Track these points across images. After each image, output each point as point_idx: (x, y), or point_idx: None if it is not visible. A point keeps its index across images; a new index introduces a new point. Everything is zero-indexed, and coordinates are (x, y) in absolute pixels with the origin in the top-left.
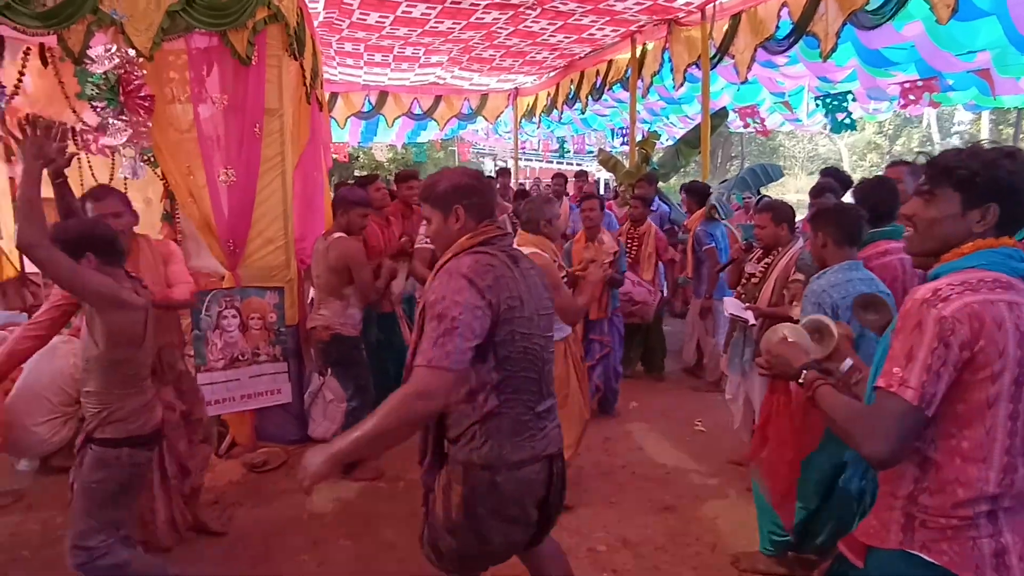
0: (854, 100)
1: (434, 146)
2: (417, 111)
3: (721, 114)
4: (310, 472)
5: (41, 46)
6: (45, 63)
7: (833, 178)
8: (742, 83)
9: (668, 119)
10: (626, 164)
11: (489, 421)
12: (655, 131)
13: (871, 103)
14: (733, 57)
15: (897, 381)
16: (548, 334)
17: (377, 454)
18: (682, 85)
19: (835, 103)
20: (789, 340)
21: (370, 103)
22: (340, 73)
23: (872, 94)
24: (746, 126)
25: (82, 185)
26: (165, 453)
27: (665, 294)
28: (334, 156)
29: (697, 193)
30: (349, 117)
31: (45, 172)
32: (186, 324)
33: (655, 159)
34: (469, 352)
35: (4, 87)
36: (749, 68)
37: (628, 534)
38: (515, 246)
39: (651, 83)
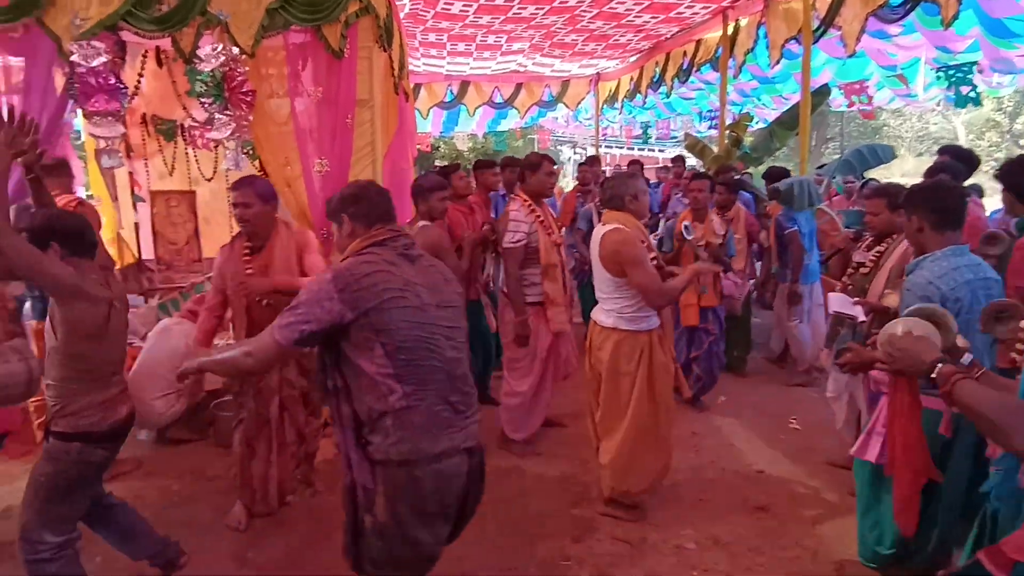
0: (979, 72)
1: (514, 134)
2: (498, 99)
3: (822, 92)
4: (186, 366)
5: (156, 49)
6: (160, 64)
7: (953, 157)
8: (849, 57)
9: (760, 100)
10: (714, 149)
11: (402, 415)
12: (747, 112)
13: (994, 76)
14: (839, 28)
15: None
16: (451, 325)
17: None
18: (778, 63)
19: (959, 75)
20: (916, 334)
21: (452, 93)
22: (423, 64)
23: (997, 66)
24: (851, 105)
25: (190, 178)
26: (286, 425)
27: (754, 284)
28: (418, 147)
29: (778, 179)
30: (432, 107)
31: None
32: None
33: (746, 143)
34: (303, 332)
35: (126, 88)
36: (858, 40)
37: (719, 533)
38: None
39: (744, 62)
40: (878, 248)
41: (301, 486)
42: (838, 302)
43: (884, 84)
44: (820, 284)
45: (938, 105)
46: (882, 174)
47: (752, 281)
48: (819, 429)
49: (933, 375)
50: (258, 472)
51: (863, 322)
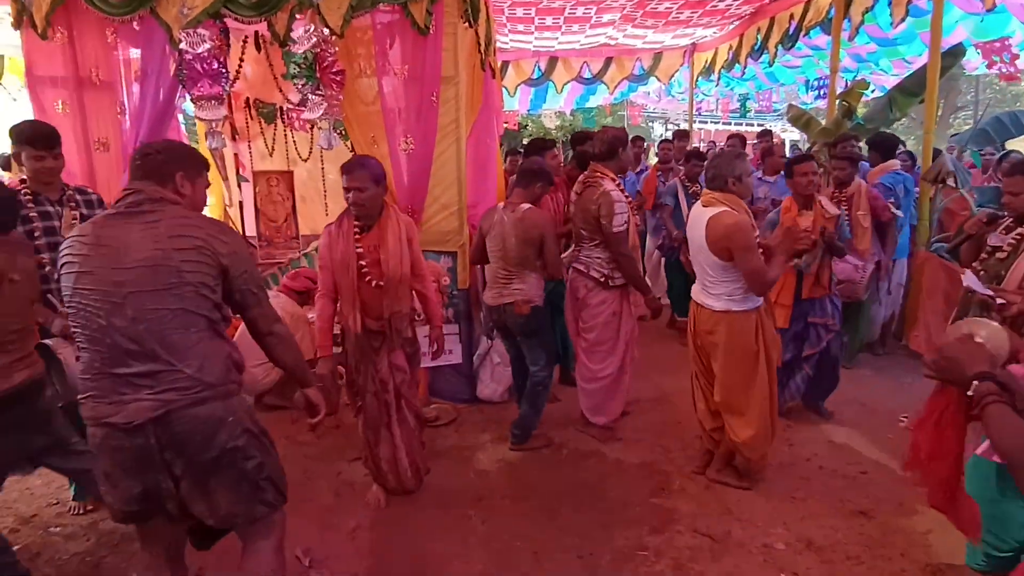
0: None
1: (603, 111)
2: (587, 75)
3: (955, 52)
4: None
5: (256, 34)
6: (259, 49)
7: None
8: (987, 11)
9: (877, 66)
10: (821, 121)
11: (83, 379)
12: (862, 80)
13: None
14: None
15: None
16: (134, 290)
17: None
18: (902, 21)
19: None
20: (977, 339)
21: (539, 69)
22: (511, 40)
23: None
24: (991, 65)
25: (287, 159)
26: (404, 408)
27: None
28: (504, 124)
29: (883, 147)
30: (519, 85)
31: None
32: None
33: (860, 113)
34: None
35: (228, 72)
36: None
37: (813, 535)
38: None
39: (861, 22)
40: (1019, 231)
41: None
42: (972, 279)
43: None
44: (907, 261)
45: None
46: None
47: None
48: None
49: (970, 392)
50: (386, 455)
51: (1002, 305)
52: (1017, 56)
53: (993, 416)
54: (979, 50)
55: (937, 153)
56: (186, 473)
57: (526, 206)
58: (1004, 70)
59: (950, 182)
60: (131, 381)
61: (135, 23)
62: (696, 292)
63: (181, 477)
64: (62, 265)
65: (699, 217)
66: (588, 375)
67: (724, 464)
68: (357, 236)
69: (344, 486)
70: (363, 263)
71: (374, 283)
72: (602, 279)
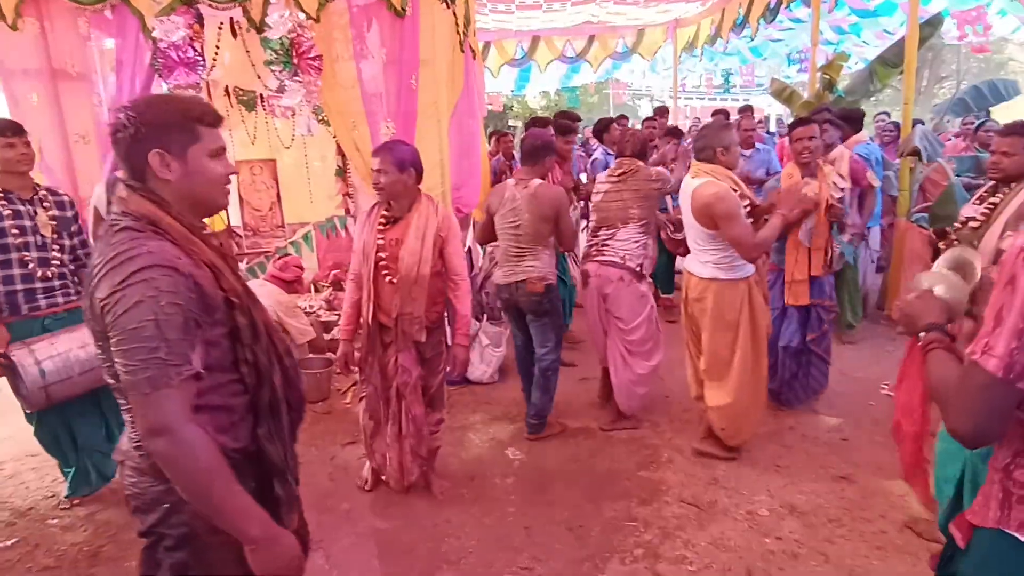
0: None
1: (588, 90)
2: (570, 54)
3: (933, 22)
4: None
5: (231, 20)
6: (235, 35)
7: None
8: None
9: (859, 37)
10: (804, 94)
11: None
12: (843, 52)
13: None
14: None
15: (981, 347)
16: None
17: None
18: None
19: None
20: (936, 292)
21: (522, 49)
22: (492, 20)
23: None
24: (961, 36)
25: (270, 147)
26: (402, 413)
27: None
28: (489, 106)
29: (852, 120)
30: (502, 65)
31: None
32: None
33: (840, 86)
34: None
35: (204, 60)
36: None
37: (796, 501)
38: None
39: None
40: (992, 200)
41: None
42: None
43: (1007, 11)
44: (879, 229)
45: None
46: (1004, 115)
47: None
48: None
49: (920, 343)
50: (379, 448)
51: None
52: (991, 27)
53: (930, 360)
54: (955, 19)
55: (916, 124)
56: None
57: (538, 181)
58: (975, 40)
59: (920, 155)
60: None
61: (108, 11)
62: (688, 261)
63: None
64: None
65: (686, 189)
66: (635, 378)
67: (709, 435)
68: (381, 227)
69: (338, 470)
70: (382, 255)
71: (388, 279)
72: (638, 268)
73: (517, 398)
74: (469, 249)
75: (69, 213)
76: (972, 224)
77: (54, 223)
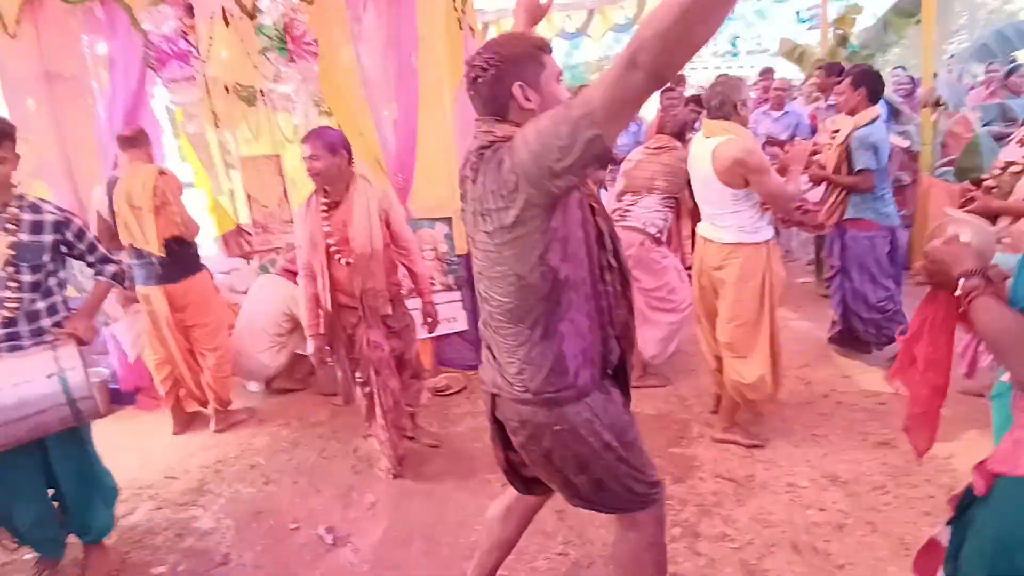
0: None
1: (590, 66)
2: (570, 29)
3: None
4: None
5: (223, 9)
6: (227, 24)
7: None
8: None
9: None
10: (817, 51)
11: None
12: (855, 4)
13: None
14: None
15: None
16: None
17: None
18: None
19: None
20: (963, 240)
21: None
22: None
23: None
24: None
25: (273, 142)
26: (379, 390)
27: None
28: None
29: (873, 86)
30: None
31: None
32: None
33: (854, 41)
34: None
35: (197, 51)
36: None
37: (837, 471)
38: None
39: None
40: None
41: (419, 438)
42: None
43: None
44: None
45: None
46: None
47: None
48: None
49: (958, 291)
50: (375, 433)
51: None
52: None
53: (978, 308)
54: None
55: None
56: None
57: None
58: None
59: (941, 106)
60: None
61: (98, 9)
62: (703, 228)
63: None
64: None
65: (702, 149)
66: (656, 332)
67: (729, 422)
68: (325, 214)
69: (361, 462)
70: (331, 241)
71: (343, 261)
72: (658, 233)
73: None
74: None
75: (47, 237)
76: (1014, 168)
77: (11, 253)
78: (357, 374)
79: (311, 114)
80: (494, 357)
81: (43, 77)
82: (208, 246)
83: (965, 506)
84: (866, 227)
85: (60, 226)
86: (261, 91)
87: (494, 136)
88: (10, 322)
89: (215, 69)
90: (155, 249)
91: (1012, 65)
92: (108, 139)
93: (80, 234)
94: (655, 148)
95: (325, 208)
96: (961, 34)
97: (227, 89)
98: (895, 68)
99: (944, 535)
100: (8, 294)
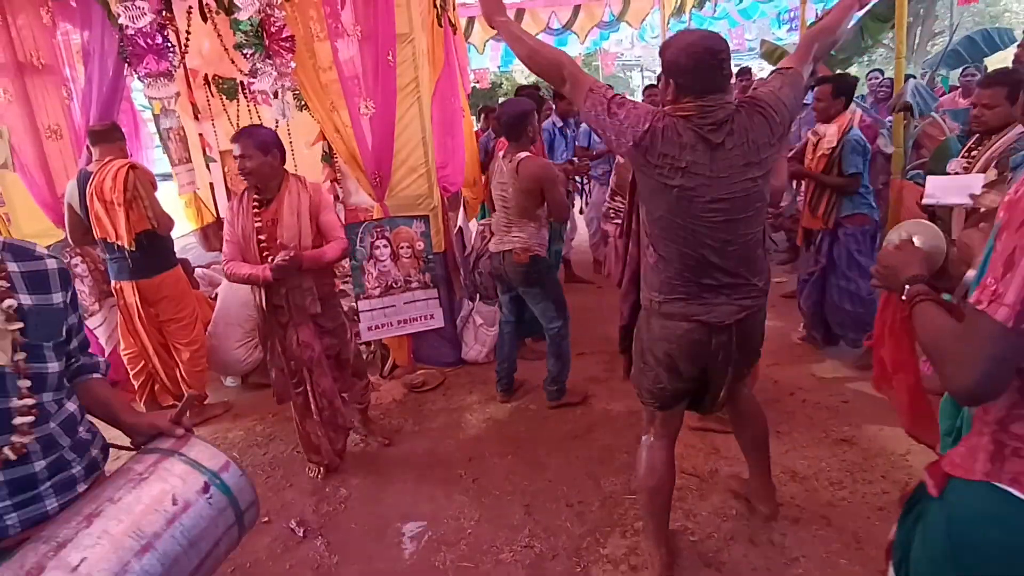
0: None
1: (576, 61)
2: (555, 25)
3: None
4: None
5: (200, 2)
6: (204, 19)
7: None
8: None
9: None
10: None
11: (650, 273)
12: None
13: None
14: None
15: (988, 296)
16: (723, 219)
17: None
18: None
19: None
20: (915, 243)
21: None
22: None
23: None
24: None
25: None
26: (312, 390)
27: None
28: (475, 83)
29: (848, 91)
30: (487, 40)
31: None
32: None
33: None
34: None
35: (174, 46)
36: None
37: (798, 466)
38: None
39: None
40: (976, 151)
41: (370, 437)
42: (939, 188)
43: None
44: None
45: None
46: (1001, 65)
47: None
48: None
49: (904, 296)
50: (312, 429)
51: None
52: None
53: (919, 313)
54: None
55: (908, 79)
56: (739, 359)
57: (523, 155)
58: None
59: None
60: (718, 290)
61: (71, 0)
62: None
63: (732, 363)
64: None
65: None
66: None
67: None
68: (256, 211)
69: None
70: (262, 238)
71: (271, 259)
72: None
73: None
74: (460, 229)
75: (57, 298)
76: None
77: (17, 329)
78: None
79: (288, 111)
80: (747, 282)
81: (14, 66)
82: (187, 240)
83: (914, 503)
84: (862, 221)
85: (66, 278)
86: (242, 84)
87: (732, 105)
88: (47, 445)
89: (195, 60)
90: (126, 243)
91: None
92: (83, 131)
93: (73, 298)
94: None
95: (256, 205)
96: (944, 35)
97: (207, 81)
98: (872, 71)
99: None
100: (27, 401)
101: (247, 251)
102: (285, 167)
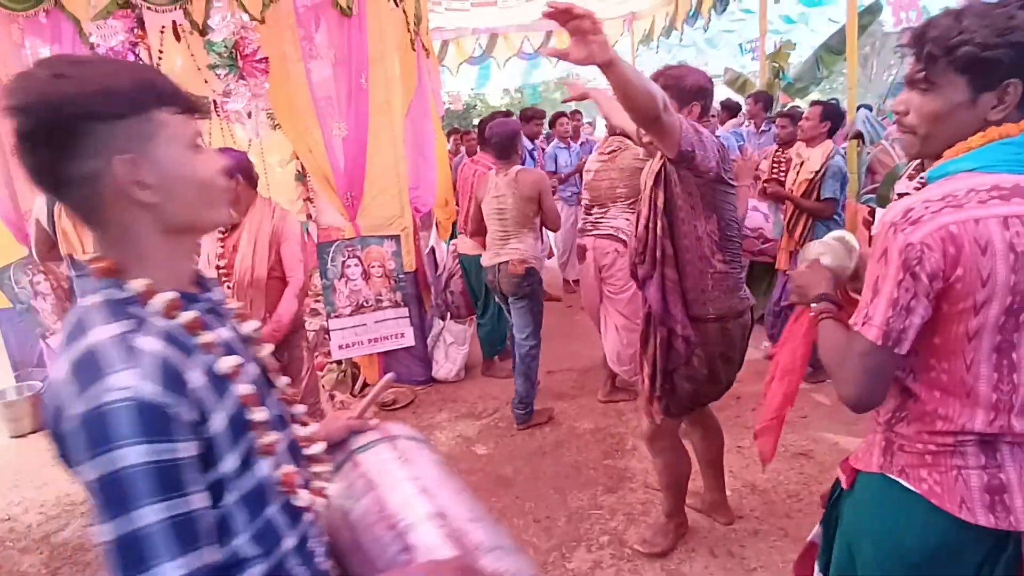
0: None
1: (549, 86)
2: (528, 50)
3: (872, 9)
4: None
5: (174, 23)
6: (178, 38)
7: None
8: None
9: (807, 25)
10: (756, 83)
11: (719, 282)
12: (789, 40)
13: None
14: None
15: (862, 318)
16: None
17: None
18: None
19: None
20: (822, 262)
21: (480, 47)
22: (449, 18)
23: None
24: (897, 23)
25: None
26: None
27: None
28: (449, 105)
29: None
30: (461, 63)
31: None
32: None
33: (790, 73)
34: None
35: (147, 64)
36: None
37: (757, 480)
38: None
39: None
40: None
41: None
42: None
43: None
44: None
45: None
46: None
47: None
48: None
49: (812, 313)
50: None
51: None
52: (922, 12)
53: (822, 329)
54: (890, 6)
55: (861, 109)
56: None
57: (517, 167)
58: (909, 27)
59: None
60: None
61: (42, 16)
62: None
63: None
64: None
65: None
66: (626, 343)
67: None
68: (221, 235)
69: None
70: (220, 264)
71: (225, 285)
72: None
73: (483, 394)
74: (432, 248)
75: None
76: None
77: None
78: None
79: (263, 131)
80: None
81: None
82: None
83: (833, 503)
84: None
85: None
86: (215, 102)
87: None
88: None
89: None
90: None
91: None
92: None
93: None
94: (609, 152)
95: (221, 231)
96: (898, 67)
97: None
98: (830, 100)
99: (819, 535)
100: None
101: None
102: (257, 190)
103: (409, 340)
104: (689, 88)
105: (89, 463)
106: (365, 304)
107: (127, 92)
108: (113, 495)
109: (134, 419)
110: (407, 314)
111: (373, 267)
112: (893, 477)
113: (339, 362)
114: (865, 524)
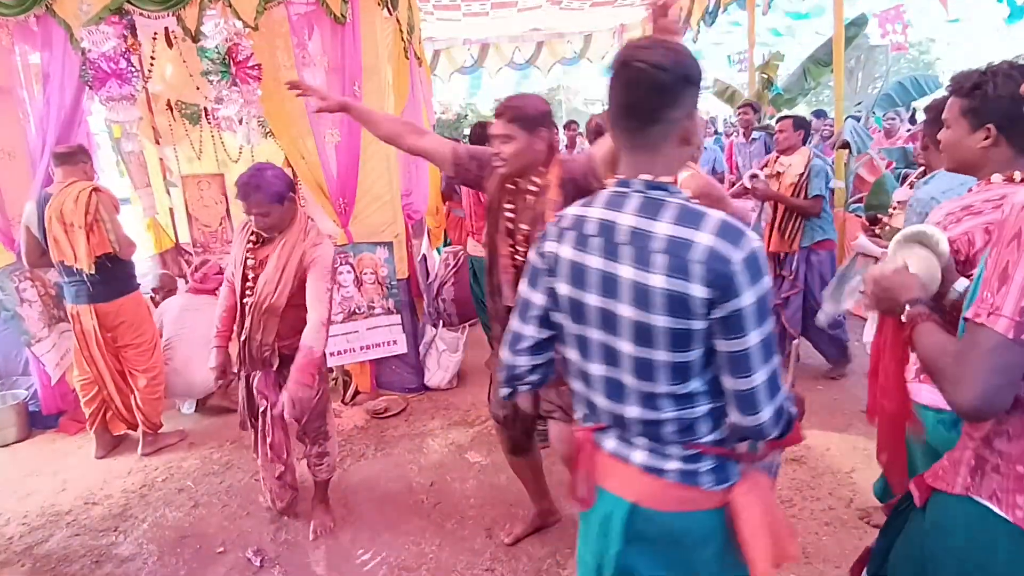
0: None
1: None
2: (519, 60)
3: (858, 22)
4: None
5: (166, 30)
6: (170, 45)
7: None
8: None
9: (794, 38)
10: (745, 93)
11: None
12: (778, 52)
13: None
14: None
15: (987, 309)
16: None
17: None
18: None
19: None
20: (910, 269)
21: (472, 57)
22: (441, 28)
23: None
24: (884, 35)
25: (217, 161)
26: (261, 438)
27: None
28: (441, 114)
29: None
30: (453, 73)
31: None
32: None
33: (778, 84)
34: None
35: (137, 71)
36: None
37: None
38: None
39: None
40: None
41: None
42: (863, 242)
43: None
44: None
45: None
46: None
47: None
48: (857, 378)
49: (904, 317)
50: (261, 471)
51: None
52: (908, 26)
53: (921, 333)
54: (876, 19)
55: (848, 120)
56: None
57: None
58: (894, 40)
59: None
60: None
61: (31, 22)
62: None
63: None
64: None
65: None
66: None
67: None
68: (251, 245)
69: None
70: (248, 275)
71: (244, 300)
72: None
73: (476, 402)
74: (424, 256)
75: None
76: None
77: None
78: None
79: (255, 138)
80: None
81: None
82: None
83: (898, 513)
84: (830, 246)
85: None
86: (205, 110)
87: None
88: None
89: (158, 85)
90: (85, 267)
91: (911, 114)
92: (39, 153)
93: None
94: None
95: (253, 240)
96: (882, 79)
97: (170, 106)
98: (815, 111)
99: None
100: None
101: (232, 287)
102: (296, 204)
103: (401, 347)
104: (532, 116)
105: (751, 289)
106: (357, 311)
107: (700, 72)
108: (763, 307)
109: (765, 257)
110: (399, 321)
111: (365, 274)
112: (981, 501)
113: (331, 369)
114: (946, 550)
